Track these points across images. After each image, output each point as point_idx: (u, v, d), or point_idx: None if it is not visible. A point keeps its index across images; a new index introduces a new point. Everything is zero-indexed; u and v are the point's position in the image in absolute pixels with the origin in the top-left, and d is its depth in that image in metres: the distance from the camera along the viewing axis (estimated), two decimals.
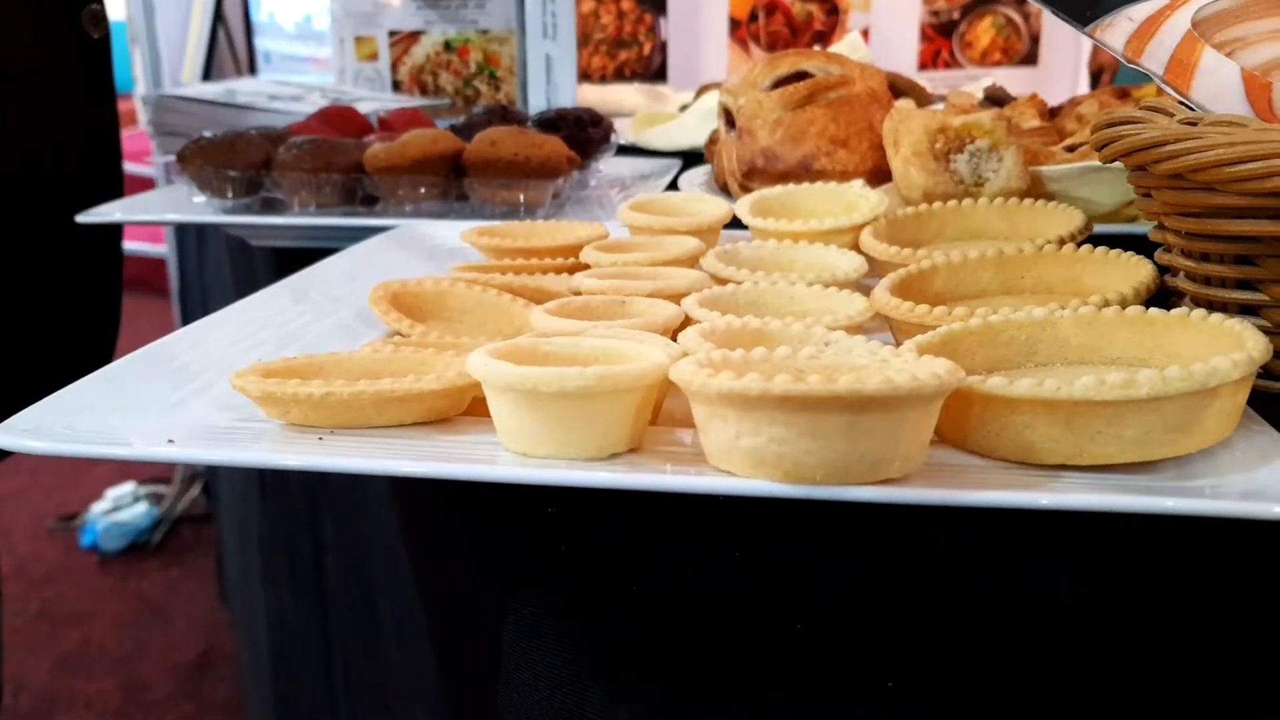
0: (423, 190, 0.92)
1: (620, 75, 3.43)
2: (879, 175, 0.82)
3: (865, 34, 3.61)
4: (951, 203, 0.73)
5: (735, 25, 3.50)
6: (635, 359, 0.42)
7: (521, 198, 0.92)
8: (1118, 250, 0.57)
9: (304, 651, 1.05)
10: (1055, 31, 3.21)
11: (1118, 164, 0.78)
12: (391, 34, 1.79)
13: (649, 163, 1.25)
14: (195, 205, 0.95)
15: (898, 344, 0.57)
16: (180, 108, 1.60)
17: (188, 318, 2.35)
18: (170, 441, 0.39)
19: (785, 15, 3.54)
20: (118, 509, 2.67)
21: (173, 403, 0.44)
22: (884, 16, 3.76)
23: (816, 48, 1.77)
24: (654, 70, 3.38)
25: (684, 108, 1.48)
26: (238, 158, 0.92)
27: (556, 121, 1.07)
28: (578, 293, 0.63)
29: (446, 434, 0.42)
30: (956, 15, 3.97)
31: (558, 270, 0.70)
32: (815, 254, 0.69)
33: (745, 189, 0.85)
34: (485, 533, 0.45)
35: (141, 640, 2.27)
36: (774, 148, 0.83)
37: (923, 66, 3.83)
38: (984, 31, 3.89)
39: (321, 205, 0.93)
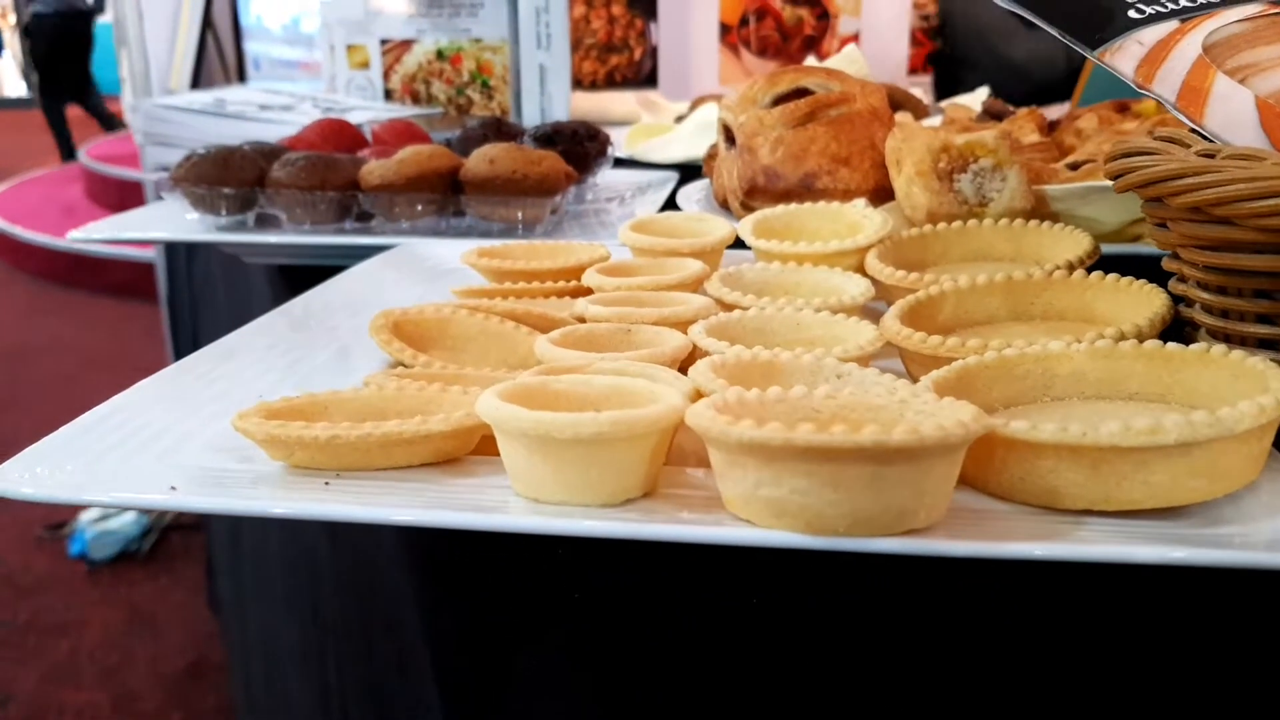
0: (419, 208, 0.91)
1: (611, 80, 3.43)
2: (881, 194, 0.81)
3: (855, 38, 3.61)
4: (956, 224, 0.73)
5: (726, 30, 3.49)
6: (649, 400, 0.41)
7: (519, 215, 0.91)
8: (1129, 278, 0.56)
9: (296, 667, 1.04)
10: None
11: None
12: (383, 42, 1.78)
13: (645, 175, 1.24)
14: (188, 222, 0.94)
15: (908, 372, 0.57)
16: (170, 117, 1.59)
17: (177, 324, 2.33)
18: (173, 488, 0.38)
19: (775, 20, 3.54)
20: (106, 517, 2.64)
21: (171, 443, 0.43)
22: (874, 22, 3.76)
23: (811, 59, 1.77)
24: (645, 75, 3.38)
25: (680, 119, 1.48)
26: (231, 175, 0.91)
27: (553, 136, 1.06)
28: (581, 319, 0.62)
29: (455, 476, 0.41)
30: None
31: (559, 294, 0.69)
32: (820, 277, 0.68)
33: (746, 207, 0.84)
34: (494, 572, 0.44)
35: (131, 650, 2.25)
36: (775, 166, 0.82)
37: (913, 71, 3.84)
38: None
39: (316, 222, 0.92)
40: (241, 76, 2.60)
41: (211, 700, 2.12)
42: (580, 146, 1.07)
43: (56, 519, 2.68)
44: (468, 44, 1.74)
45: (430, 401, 0.44)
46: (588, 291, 0.68)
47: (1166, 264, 0.53)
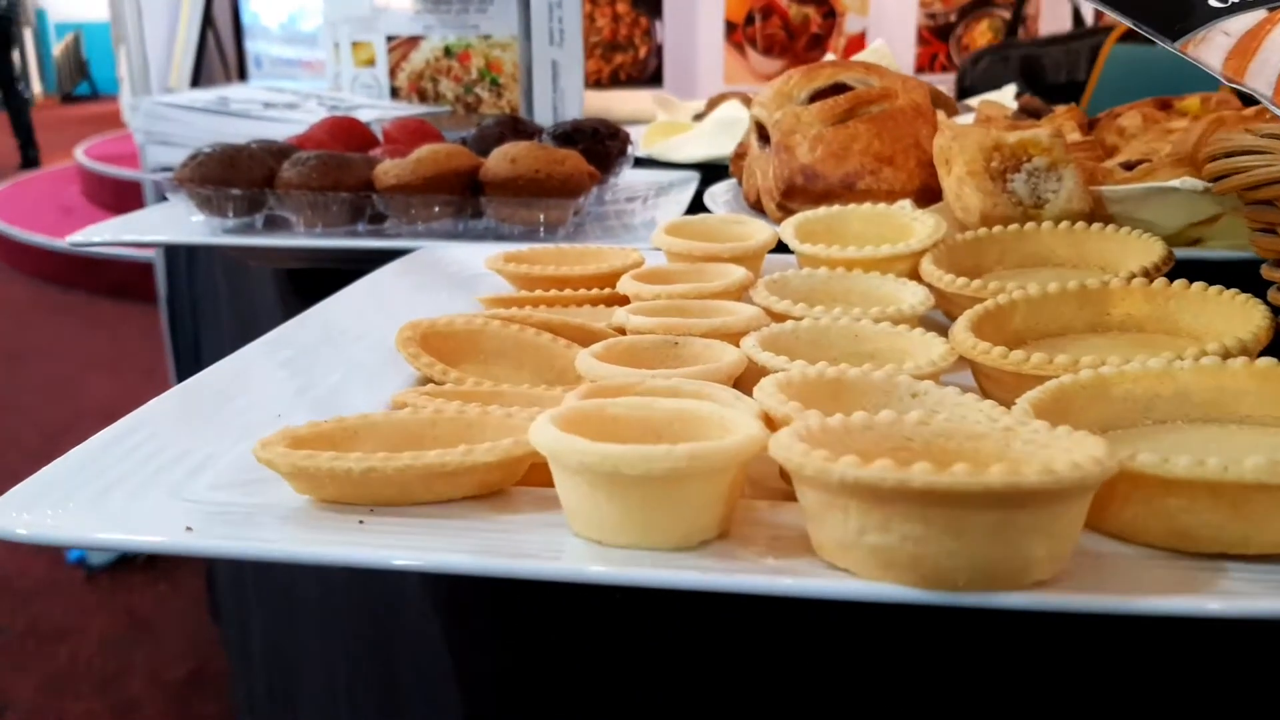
0: (436, 209, 0.86)
1: (615, 79, 3.38)
2: (927, 195, 0.77)
3: (862, 37, 3.58)
4: (1012, 227, 0.68)
5: (731, 28, 3.45)
6: (719, 427, 0.36)
7: (541, 217, 0.87)
8: (1218, 287, 0.52)
9: (300, 680, 0.99)
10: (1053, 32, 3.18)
11: (1186, 185, 0.74)
12: (390, 39, 1.74)
13: (665, 175, 1.19)
14: (193, 225, 0.89)
15: (981, 389, 0.52)
16: (171, 115, 1.54)
17: (176, 326, 2.28)
18: (189, 529, 0.33)
19: (782, 18, 3.50)
20: None
21: (184, 474, 0.39)
22: (881, 20, 3.72)
23: (830, 55, 1.72)
24: (650, 73, 3.34)
25: (698, 117, 1.43)
26: (239, 175, 0.87)
27: (573, 134, 1.01)
28: (620, 330, 0.58)
29: (503, 512, 0.37)
30: (953, 18, 3.93)
31: (593, 302, 0.64)
32: (872, 284, 0.63)
33: (783, 209, 0.80)
34: (533, 609, 0.40)
35: (130, 658, 2.21)
36: (815, 165, 0.77)
37: (920, 69, 3.80)
38: (981, 34, 3.86)
39: (328, 225, 0.88)
40: (242, 75, 2.56)
41: (212, 709, 2.08)
42: (601, 145, 1.03)
43: None
44: (476, 41, 1.70)
45: (471, 426, 0.40)
46: (622, 299, 0.64)
47: (1267, 272, 0.49)
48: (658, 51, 3.14)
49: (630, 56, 3.01)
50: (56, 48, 10.64)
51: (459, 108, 1.73)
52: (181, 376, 2.33)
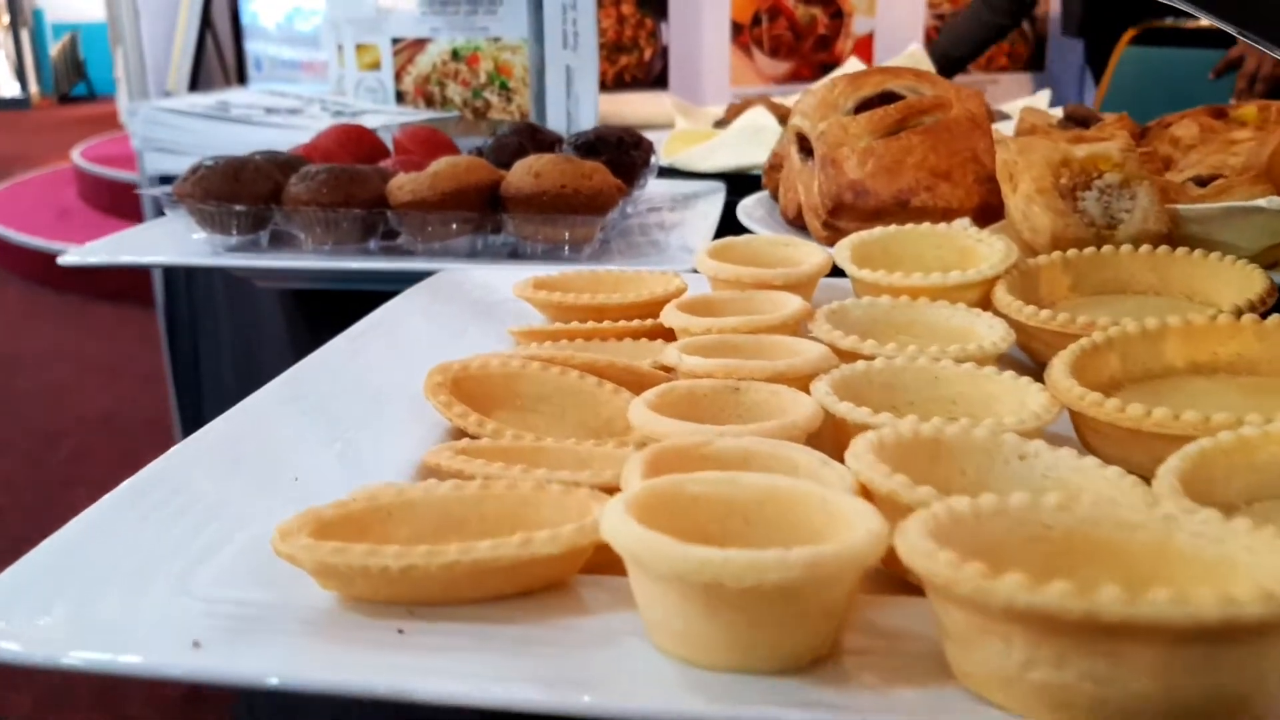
0: (454, 227, 0.81)
1: (620, 81, 3.33)
2: (986, 213, 0.71)
3: (869, 38, 3.53)
4: (1088, 250, 0.63)
5: (738, 30, 3.40)
6: (821, 511, 0.31)
7: (566, 235, 0.81)
8: None
9: (306, 699, 0.93)
10: (1061, 36, 3.13)
11: (1274, 204, 0.68)
12: (395, 41, 1.68)
13: (689, 186, 1.14)
14: (194, 243, 0.83)
15: (1083, 442, 0.47)
16: (170, 121, 1.48)
17: (174, 330, 2.22)
18: (196, 644, 0.28)
19: (788, 19, 3.44)
20: None
21: (185, 565, 0.33)
22: (888, 21, 3.67)
23: (854, 59, 1.66)
24: (655, 75, 3.28)
25: (719, 124, 1.37)
26: (243, 190, 0.81)
27: (596, 144, 0.96)
28: (664, 368, 0.52)
29: (567, 614, 0.31)
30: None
31: (634, 335, 0.59)
32: (941, 315, 0.58)
33: (830, 227, 0.74)
34: None
35: None
36: (865, 181, 0.72)
37: None
38: None
39: (338, 242, 0.82)
40: (241, 77, 2.49)
41: None
42: (626, 156, 0.97)
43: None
44: (485, 43, 1.64)
45: (525, 505, 0.34)
46: (666, 332, 0.58)
47: None
48: (663, 53, 3.09)
49: (635, 58, 2.96)
50: (53, 48, 10.55)
51: (467, 113, 1.67)
52: (179, 384, 2.26)
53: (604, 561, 0.33)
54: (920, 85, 0.77)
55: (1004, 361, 0.54)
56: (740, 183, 1.13)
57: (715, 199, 1.06)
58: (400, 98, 1.70)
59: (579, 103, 1.42)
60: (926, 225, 0.66)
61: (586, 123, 1.41)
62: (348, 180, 0.81)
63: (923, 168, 0.71)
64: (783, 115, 1.21)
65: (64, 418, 3.30)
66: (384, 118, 1.50)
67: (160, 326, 2.35)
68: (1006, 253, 0.61)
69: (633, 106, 1.94)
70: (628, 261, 0.83)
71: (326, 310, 1.06)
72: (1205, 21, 0.49)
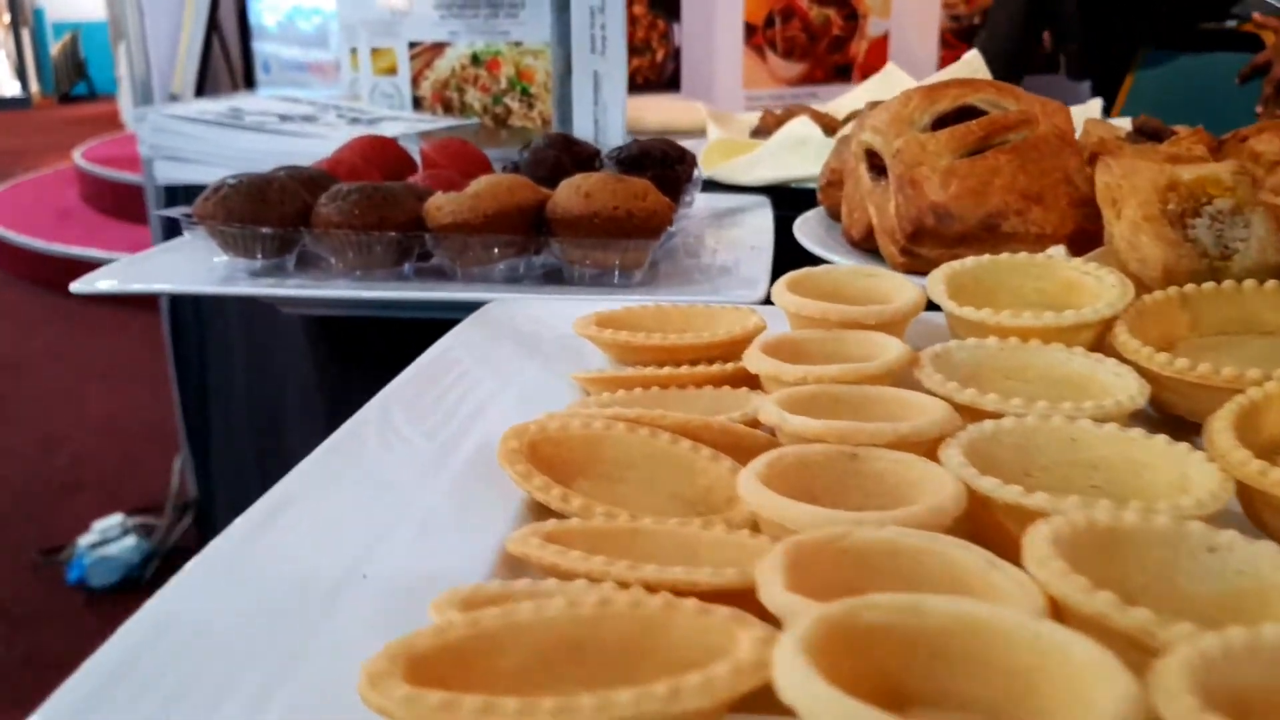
0: (496, 251, 0.75)
1: (633, 83, 3.26)
2: (1082, 240, 0.66)
3: (884, 40, 3.47)
4: (1207, 285, 0.57)
5: (751, 31, 3.34)
6: (1036, 650, 0.25)
7: (617, 260, 0.75)
8: None
9: None
10: (1068, 80, 3.07)
11: None
12: (412, 45, 1.62)
13: (729, 200, 1.08)
14: (213, 268, 0.78)
15: (1255, 519, 0.41)
16: (180, 129, 1.43)
17: (179, 334, 2.16)
18: None
19: (802, 20, 3.39)
20: (105, 542, 2.49)
21: (249, 699, 0.27)
22: (903, 22, 3.61)
23: (892, 65, 1.60)
24: (667, 77, 3.23)
25: (755, 132, 1.31)
26: (269, 210, 0.75)
27: (640, 159, 0.90)
28: (752, 423, 0.46)
29: None
30: (977, 20, 3.83)
31: (716, 382, 0.53)
32: (1055, 360, 0.52)
33: (909, 253, 0.69)
34: None
35: None
36: (948, 204, 0.66)
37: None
38: None
39: (370, 267, 0.76)
40: (249, 79, 2.44)
41: None
42: (670, 170, 0.92)
43: (53, 543, 2.52)
44: (506, 48, 1.58)
45: (653, 628, 0.28)
46: (747, 376, 0.53)
47: None
48: (675, 54, 3.03)
49: (648, 60, 2.90)
50: (54, 47, 10.50)
51: (487, 119, 1.61)
52: (184, 388, 2.20)
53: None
54: (1002, 99, 0.71)
55: (1136, 417, 0.48)
56: (781, 196, 1.07)
57: (761, 215, 1.00)
58: (417, 103, 1.64)
59: (607, 110, 1.36)
60: (1024, 255, 0.60)
61: (615, 131, 1.36)
62: (381, 200, 0.75)
63: (1012, 190, 0.66)
64: (827, 125, 1.16)
65: (67, 422, 3.24)
66: (402, 125, 1.44)
67: (164, 329, 2.30)
68: (1122, 289, 0.55)
69: (653, 111, 1.88)
70: (680, 287, 0.77)
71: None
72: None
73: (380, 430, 0.46)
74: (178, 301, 2.18)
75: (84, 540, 2.46)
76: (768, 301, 0.70)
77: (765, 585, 0.30)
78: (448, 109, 1.63)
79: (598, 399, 0.51)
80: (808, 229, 0.85)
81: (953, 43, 3.76)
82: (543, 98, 1.58)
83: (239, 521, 0.37)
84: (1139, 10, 1.94)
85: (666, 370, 0.53)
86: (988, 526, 0.39)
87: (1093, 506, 0.35)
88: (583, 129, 1.39)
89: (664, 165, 0.91)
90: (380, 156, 0.95)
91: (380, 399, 0.48)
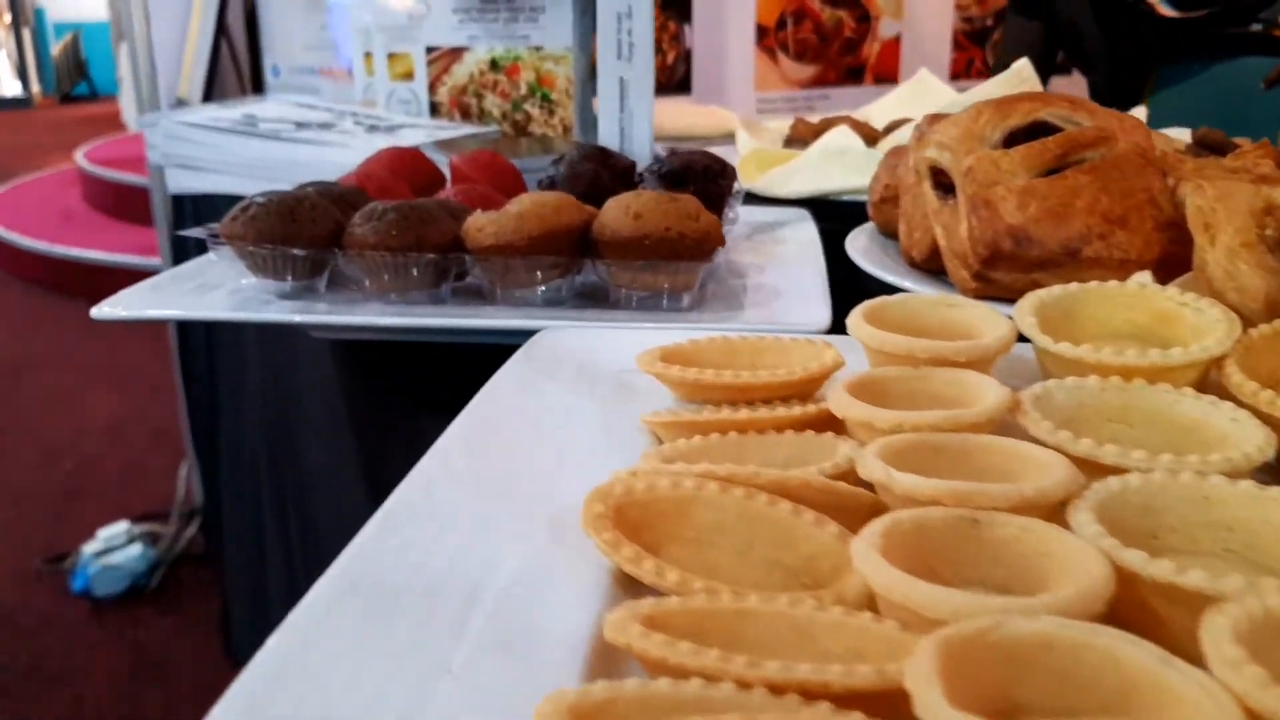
0: (540, 274, 0.71)
1: None
2: (1169, 265, 0.62)
3: (896, 42, 3.44)
4: None
5: (762, 33, 3.31)
6: None
7: (666, 283, 0.71)
8: None
9: None
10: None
11: None
12: (429, 50, 1.58)
13: (767, 213, 1.04)
14: (244, 290, 0.74)
15: None
16: (193, 136, 1.39)
17: (186, 336, 2.12)
18: None
19: (814, 22, 3.35)
20: (110, 550, 2.46)
21: None
22: (916, 24, 3.57)
23: (924, 71, 1.56)
24: (678, 80, 3.19)
25: (788, 142, 1.28)
26: (300, 231, 0.71)
27: (683, 173, 0.86)
28: (844, 475, 0.42)
29: None
30: (990, 22, 3.79)
31: (797, 426, 0.49)
32: (1165, 403, 0.48)
33: (982, 278, 0.65)
34: None
35: (140, 699, 2.07)
36: (1027, 226, 0.62)
37: (954, 75, 3.65)
38: None
39: (405, 289, 0.72)
40: (257, 83, 2.40)
41: None
42: (714, 185, 0.88)
43: (58, 550, 2.49)
44: (526, 53, 1.54)
45: None
46: (830, 417, 0.49)
47: None
48: (686, 56, 3.00)
49: (659, 62, 2.85)
50: (55, 48, 10.46)
51: (506, 126, 1.57)
52: (190, 393, 2.16)
53: None
54: (1076, 114, 0.67)
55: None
56: (820, 208, 1.03)
57: (804, 229, 0.96)
58: (434, 110, 1.60)
59: (634, 119, 1.32)
60: (1114, 284, 0.56)
61: (642, 140, 1.32)
62: (418, 220, 0.71)
63: (1094, 212, 0.62)
64: (867, 135, 1.12)
65: (69, 426, 3.21)
66: (422, 133, 1.40)
67: (170, 332, 2.26)
68: (1229, 323, 0.51)
69: (671, 116, 1.83)
70: (732, 311, 0.73)
71: None
72: None
73: (451, 485, 0.42)
74: None
75: (89, 548, 2.43)
76: (832, 325, 0.67)
77: (923, 699, 0.26)
78: (465, 115, 1.59)
79: (672, 446, 0.47)
80: (861, 248, 0.81)
81: (965, 44, 3.73)
82: (564, 104, 1.54)
83: (315, 592, 0.33)
84: (1161, 27, 1.90)
85: (744, 414, 0.49)
86: (1125, 603, 0.35)
87: (1261, 588, 0.32)
88: (607, 137, 1.35)
89: (706, 179, 0.87)
90: (408, 169, 0.91)
91: (440, 451, 0.44)
